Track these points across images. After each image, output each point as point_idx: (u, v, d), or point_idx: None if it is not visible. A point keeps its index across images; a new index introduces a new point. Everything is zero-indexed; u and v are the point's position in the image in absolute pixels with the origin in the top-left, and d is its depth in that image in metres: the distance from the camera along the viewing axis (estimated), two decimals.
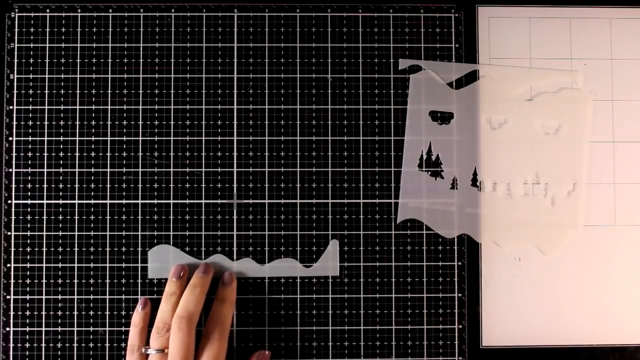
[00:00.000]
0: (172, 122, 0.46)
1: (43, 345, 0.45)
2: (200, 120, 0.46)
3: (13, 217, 0.46)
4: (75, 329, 0.45)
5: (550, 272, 0.46)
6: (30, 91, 0.46)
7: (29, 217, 0.46)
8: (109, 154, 0.46)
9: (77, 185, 0.46)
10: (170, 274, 0.44)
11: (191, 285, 0.43)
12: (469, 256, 0.46)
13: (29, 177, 0.46)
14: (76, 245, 0.46)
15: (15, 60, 0.46)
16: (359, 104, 0.47)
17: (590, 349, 0.46)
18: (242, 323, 0.46)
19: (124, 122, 0.46)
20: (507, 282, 0.46)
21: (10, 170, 0.46)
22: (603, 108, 0.47)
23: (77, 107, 0.46)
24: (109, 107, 0.46)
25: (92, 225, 0.46)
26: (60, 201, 0.46)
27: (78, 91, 0.46)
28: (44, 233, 0.46)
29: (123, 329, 0.45)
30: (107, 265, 0.45)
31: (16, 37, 0.46)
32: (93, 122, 0.46)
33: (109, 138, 0.46)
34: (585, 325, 0.46)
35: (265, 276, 0.46)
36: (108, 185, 0.46)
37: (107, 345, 0.45)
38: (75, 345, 0.45)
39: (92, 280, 0.45)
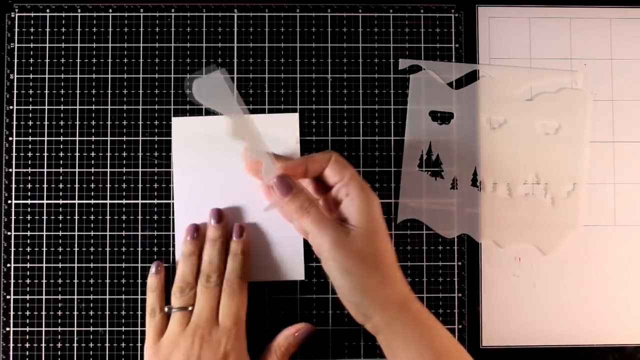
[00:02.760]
0: (172, 122, 0.46)
1: (43, 345, 0.45)
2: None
3: (13, 217, 0.46)
4: (75, 329, 0.45)
5: (550, 272, 0.46)
6: (30, 91, 0.46)
7: (29, 217, 0.46)
8: (109, 154, 0.46)
9: (77, 185, 0.46)
10: (184, 234, 0.44)
11: (210, 240, 0.44)
12: (469, 256, 0.46)
13: (29, 177, 0.46)
14: (76, 245, 0.46)
15: (15, 60, 0.46)
16: (359, 104, 0.47)
17: (590, 349, 0.46)
18: None
19: (124, 122, 0.46)
20: (507, 282, 0.46)
21: (10, 170, 0.46)
22: (603, 108, 0.47)
23: (77, 107, 0.46)
24: (109, 107, 0.46)
25: (92, 225, 0.46)
26: (60, 201, 0.46)
27: (78, 91, 0.46)
28: (44, 233, 0.46)
29: (123, 329, 0.45)
30: (107, 265, 0.45)
31: (16, 37, 0.46)
32: (93, 122, 0.46)
33: (109, 138, 0.46)
34: (585, 325, 0.46)
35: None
36: (108, 185, 0.46)
37: (107, 345, 0.45)
38: (75, 345, 0.45)
39: (92, 280, 0.45)
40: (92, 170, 0.46)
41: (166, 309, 0.43)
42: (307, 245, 0.45)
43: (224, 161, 0.45)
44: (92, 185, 0.46)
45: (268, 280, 0.46)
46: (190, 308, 0.42)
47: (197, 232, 0.44)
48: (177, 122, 0.46)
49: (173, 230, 0.46)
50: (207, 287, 0.42)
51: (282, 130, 0.46)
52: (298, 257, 0.45)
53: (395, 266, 0.39)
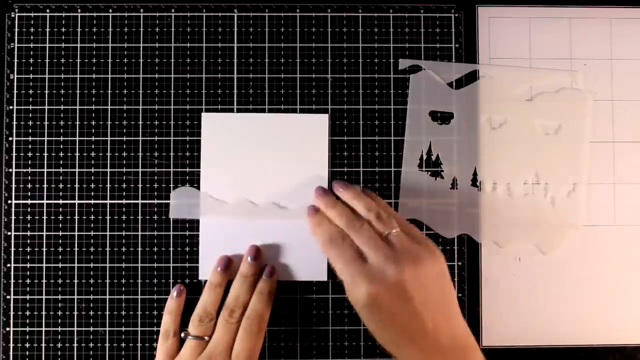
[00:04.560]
0: (172, 122, 0.46)
1: (43, 345, 0.45)
2: (200, 120, 0.46)
3: (13, 217, 0.46)
4: (75, 329, 0.45)
5: (550, 272, 0.46)
6: (30, 91, 0.46)
7: (29, 217, 0.46)
8: (109, 154, 0.46)
9: (77, 185, 0.46)
10: (215, 263, 0.44)
11: (242, 275, 0.44)
12: (469, 256, 0.46)
13: (29, 177, 0.46)
14: (76, 245, 0.46)
15: (15, 60, 0.46)
16: (359, 104, 0.47)
17: (590, 349, 0.46)
18: None
19: (124, 122, 0.46)
20: (507, 282, 0.46)
21: (10, 170, 0.46)
22: (603, 108, 0.47)
23: (77, 107, 0.46)
24: (109, 107, 0.46)
25: (92, 225, 0.46)
26: (60, 201, 0.46)
27: (78, 91, 0.46)
28: (44, 233, 0.46)
29: (123, 329, 0.45)
30: (107, 265, 0.45)
31: (16, 37, 0.46)
32: (93, 122, 0.46)
33: (109, 138, 0.46)
34: (585, 325, 0.46)
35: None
36: (108, 185, 0.46)
37: (107, 345, 0.45)
38: (75, 345, 0.45)
39: (92, 280, 0.45)
40: (92, 170, 0.46)
41: (182, 335, 0.43)
42: None
43: (253, 157, 0.46)
44: (92, 185, 0.46)
45: (291, 280, 0.46)
46: (206, 338, 0.42)
47: (228, 265, 0.44)
48: (207, 118, 0.46)
49: (198, 229, 0.46)
50: (229, 321, 0.42)
51: (311, 130, 0.46)
52: (321, 258, 0.45)
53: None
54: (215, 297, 0.43)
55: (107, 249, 0.46)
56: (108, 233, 0.46)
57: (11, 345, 0.45)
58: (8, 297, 0.45)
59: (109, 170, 0.46)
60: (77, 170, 0.46)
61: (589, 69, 0.47)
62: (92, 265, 0.45)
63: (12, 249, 0.45)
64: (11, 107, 0.46)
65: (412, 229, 0.42)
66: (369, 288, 0.37)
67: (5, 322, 0.45)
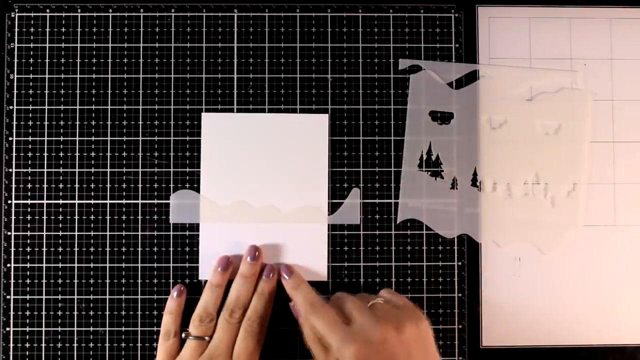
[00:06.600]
0: (172, 122, 0.46)
1: (43, 345, 0.45)
2: (200, 120, 0.46)
3: (13, 217, 0.46)
4: (75, 329, 0.45)
5: (550, 272, 0.46)
6: (30, 91, 0.46)
7: (29, 217, 0.46)
8: (109, 154, 0.46)
9: (77, 185, 0.46)
10: (215, 264, 0.44)
11: (242, 275, 0.44)
12: (469, 256, 0.46)
13: (29, 177, 0.46)
14: (76, 245, 0.46)
15: (15, 60, 0.46)
16: (359, 104, 0.47)
17: (590, 349, 0.46)
18: None
19: (124, 122, 0.46)
20: (507, 282, 0.46)
21: (10, 170, 0.46)
22: (603, 108, 0.47)
23: (77, 107, 0.46)
24: (109, 107, 0.46)
25: (92, 225, 0.46)
26: (60, 201, 0.46)
27: (78, 91, 0.46)
28: (44, 233, 0.46)
29: (123, 329, 0.45)
30: (107, 265, 0.45)
31: (16, 37, 0.46)
32: (93, 122, 0.46)
33: (109, 138, 0.46)
34: (585, 325, 0.46)
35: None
36: (108, 185, 0.46)
37: (107, 345, 0.45)
38: (75, 345, 0.45)
39: (92, 280, 0.45)
40: (92, 170, 0.46)
41: (183, 335, 0.43)
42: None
43: (253, 157, 0.46)
44: (92, 185, 0.46)
45: None
46: (207, 338, 0.42)
47: (228, 265, 0.44)
48: (207, 118, 0.46)
49: (198, 229, 0.46)
50: (230, 322, 0.42)
51: (311, 130, 0.46)
52: (322, 259, 0.46)
53: None
54: (216, 297, 0.43)
55: (107, 249, 0.46)
56: (108, 233, 0.46)
57: (11, 345, 0.45)
58: (8, 297, 0.45)
59: (109, 170, 0.46)
60: (77, 170, 0.46)
61: (589, 69, 0.47)
62: (92, 265, 0.45)
63: (12, 249, 0.45)
64: (11, 107, 0.46)
65: (394, 299, 0.43)
66: (358, 348, 0.37)
67: (5, 322, 0.45)
